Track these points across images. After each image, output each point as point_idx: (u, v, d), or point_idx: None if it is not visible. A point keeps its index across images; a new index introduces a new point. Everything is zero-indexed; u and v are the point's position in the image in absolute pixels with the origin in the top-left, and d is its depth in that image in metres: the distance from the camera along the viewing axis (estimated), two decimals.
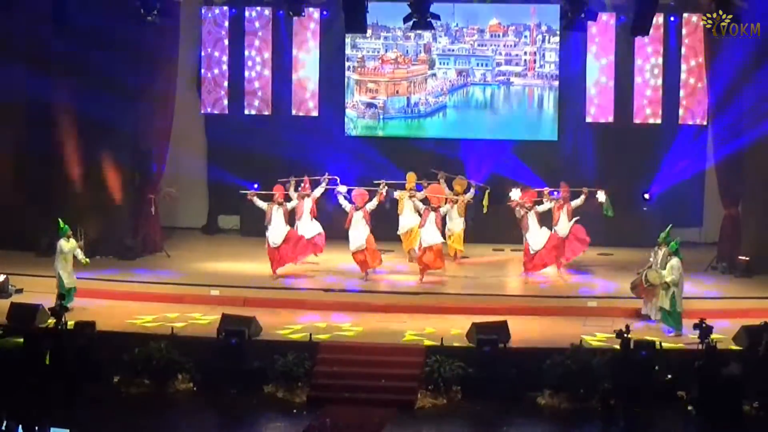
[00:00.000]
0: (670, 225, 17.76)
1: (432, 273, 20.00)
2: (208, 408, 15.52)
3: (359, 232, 19.62)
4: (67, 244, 17.87)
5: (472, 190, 20.85)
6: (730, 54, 20.11)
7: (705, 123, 22.75)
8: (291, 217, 20.29)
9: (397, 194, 20.67)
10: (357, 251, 19.71)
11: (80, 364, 15.20)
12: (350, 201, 20.07)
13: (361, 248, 19.64)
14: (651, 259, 17.57)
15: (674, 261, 16.87)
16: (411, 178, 20.89)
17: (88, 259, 18.32)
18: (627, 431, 14.41)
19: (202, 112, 24.45)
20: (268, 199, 20.04)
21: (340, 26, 21.24)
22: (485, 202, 20.82)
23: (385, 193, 20.02)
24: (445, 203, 20.18)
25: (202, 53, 24.17)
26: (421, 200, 20.28)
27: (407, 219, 20.76)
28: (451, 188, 21.12)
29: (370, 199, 19.87)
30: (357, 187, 20.23)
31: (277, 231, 19.79)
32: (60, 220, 18.23)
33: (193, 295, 18.78)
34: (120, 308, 18.11)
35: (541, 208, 20.10)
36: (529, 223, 19.87)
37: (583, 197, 20.23)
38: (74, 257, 17.92)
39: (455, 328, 16.74)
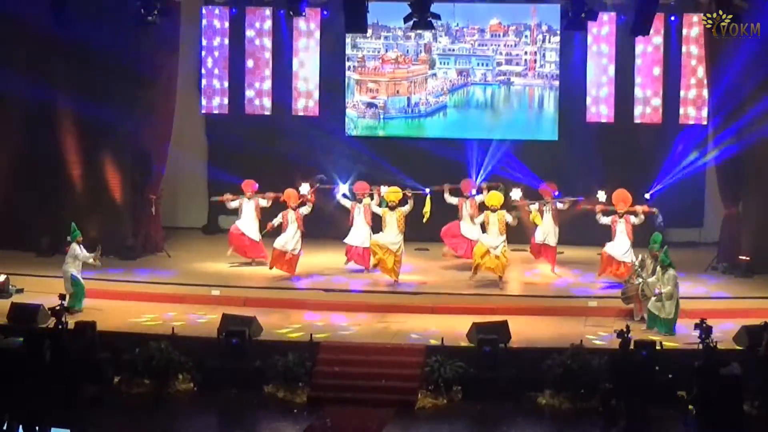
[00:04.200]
0: (666, 246, 17.64)
1: (432, 273, 20.21)
2: (208, 408, 15.54)
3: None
4: (79, 250, 17.87)
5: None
6: (730, 54, 20.10)
7: (705, 123, 22.74)
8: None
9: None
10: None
11: (81, 364, 15.21)
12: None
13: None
14: (636, 265, 17.56)
15: (672, 272, 16.88)
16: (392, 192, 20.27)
17: (99, 262, 18.44)
18: (627, 431, 14.42)
19: (203, 112, 24.44)
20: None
21: (341, 26, 21.22)
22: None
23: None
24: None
25: (203, 53, 24.15)
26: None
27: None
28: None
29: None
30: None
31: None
32: (73, 223, 18.22)
33: (194, 295, 18.79)
34: (120, 308, 18.13)
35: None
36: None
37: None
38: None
39: (455, 328, 16.74)
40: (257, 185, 21.13)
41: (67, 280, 17.78)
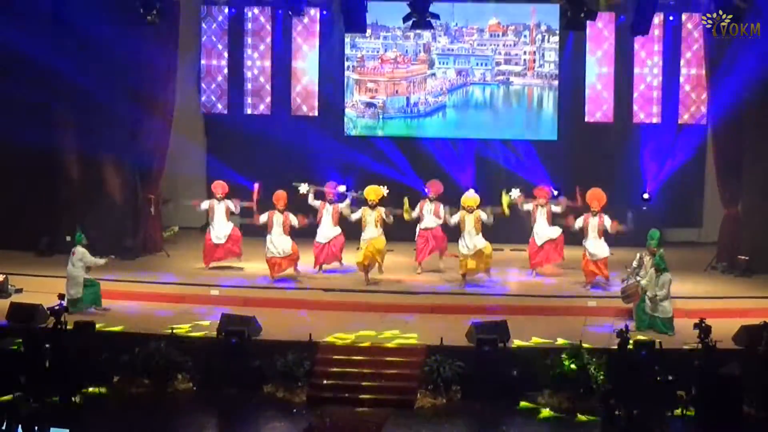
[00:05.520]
0: (662, 250, 17.53)
1: (432, 273, 20.19)
2: (207, 408, 15.53)
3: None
4: (86, 253, 17.84)
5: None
6: (729, 54, 20.11)
7: (705, 123, 22.75)
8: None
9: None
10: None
11: (80, 364, 15.20)
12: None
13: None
14: (635, 264, 17.57)
15: (667, 277, 16.87)
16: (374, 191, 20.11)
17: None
18: (626, 431, 14.41)
19: (202, 111, 24.46)
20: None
21: (340, 26, 21.24)
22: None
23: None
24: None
25: (202, 53, 24.18)
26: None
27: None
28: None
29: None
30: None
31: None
32: (78, 227, 18.18)
33: (193, 295, 18.79)
34: (119, 308, 18.12)
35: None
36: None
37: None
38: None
39: (454, 328, 16.74)
40: (228, 187, 20.80)
41: (79, 284, 17.67)
